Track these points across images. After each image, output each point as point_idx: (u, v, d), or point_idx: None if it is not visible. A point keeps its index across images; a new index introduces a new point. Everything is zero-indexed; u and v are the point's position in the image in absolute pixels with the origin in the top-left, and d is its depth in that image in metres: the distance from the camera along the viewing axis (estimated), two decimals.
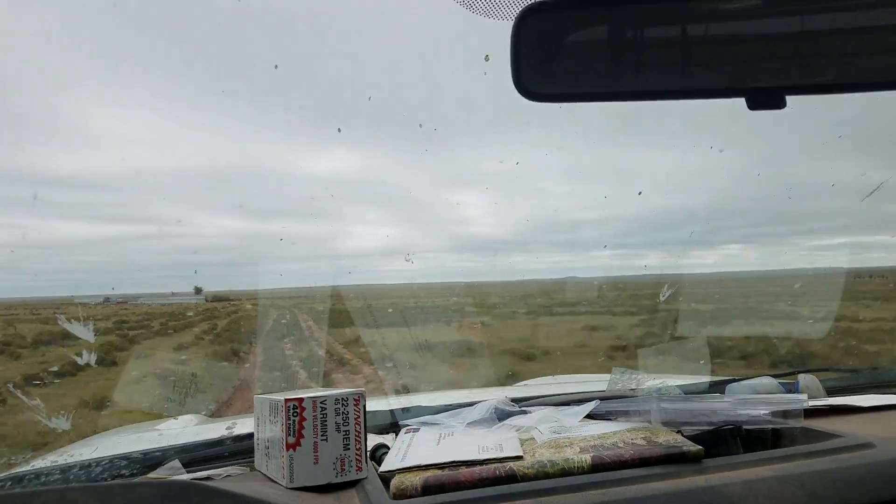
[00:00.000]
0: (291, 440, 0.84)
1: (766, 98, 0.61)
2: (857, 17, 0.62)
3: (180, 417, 1.87)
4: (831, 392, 1.35)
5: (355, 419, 0.88)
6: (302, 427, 0.85)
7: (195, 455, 1.11)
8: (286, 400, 0.85)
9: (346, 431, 0.87)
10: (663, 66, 0.64)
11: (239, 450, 1.11)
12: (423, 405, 1.37)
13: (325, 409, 0.87)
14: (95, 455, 1.07)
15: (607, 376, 1.40)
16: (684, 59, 0.63)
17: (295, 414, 0.85)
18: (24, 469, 1.04)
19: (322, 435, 0.86)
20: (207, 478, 0.92)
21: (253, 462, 1.02)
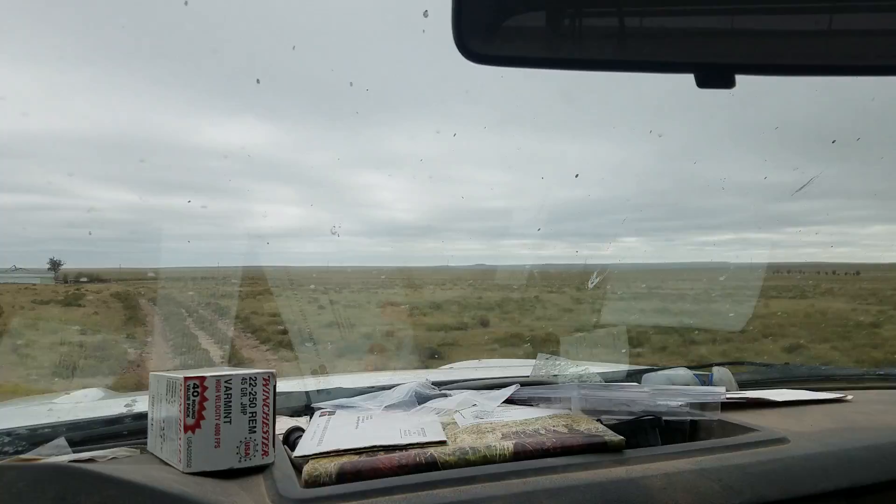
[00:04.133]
0: (190, 421, 0.77)
1: (715, 76, 0.59)
2: None
3: (78, 391, 1.73)
4: (743, 385, 1.38)
5: (264, 400, 0.81)
6: (203, 408, 0.78)
7: (89, 433, 1.01)
8: (186, 378, 0.77)
9: (252, 413, 0.80)
10: (613, 35, 0.61)
11: (138, 429, 1.02)
12: (342, 387, 1.31)
13: (231, 388, 0.79)
14: None
15: (531, 362, 1.38)
16: (634, 30, 0.60)
17: (195, 394, 0.77)
18: None
19: (225, 416, 0.79)
20: (90, 459, 0.82)
21: (146, 444, 0.93)
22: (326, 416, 1.07)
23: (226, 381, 0.79)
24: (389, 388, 1.24)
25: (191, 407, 0.77)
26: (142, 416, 1.06)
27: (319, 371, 1.38)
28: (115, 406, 1.29)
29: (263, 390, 0.82)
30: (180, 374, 0.79)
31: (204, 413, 0.78)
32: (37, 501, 0.52)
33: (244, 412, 0.80)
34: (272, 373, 0.83)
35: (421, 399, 1.13)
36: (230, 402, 0.79)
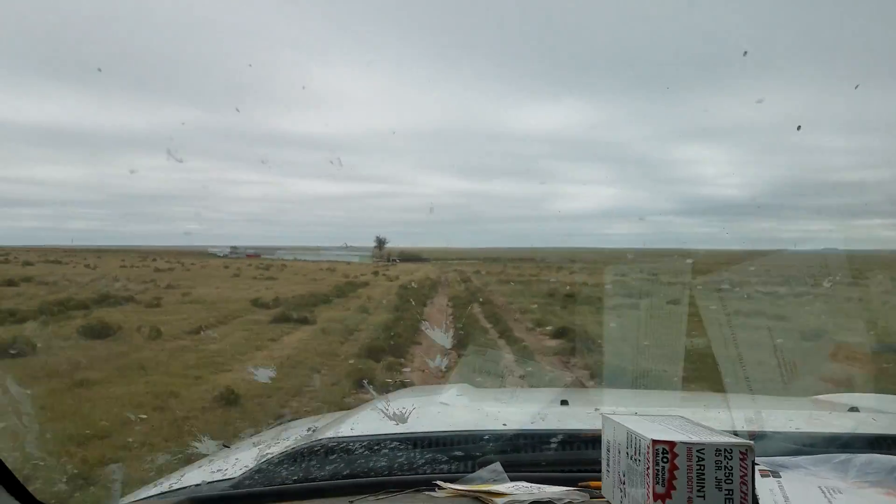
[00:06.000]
0: (660, 490, 0.70)
1: None
2: None
3: (453, 387, 1.68)
4: None
5: (741, 477, 0.70)
6: (673, 476, 0.70)
7: (520, 457, 1.04)
8: (654, 441, 0.70)
9: (728, 491, 0.70)
10: None
11: (577, 460, 1.01)
12: (778, 430, 1.13)
13: (703, 459, 0.70)
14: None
15: None
16: None
17: (665, 460, 0.70)
18: None
19: (699, 491, 0.70)
20: (549, 502, 0.82)
21: (588, 479, 0.90)
22: (770, 478, 0.91)
23: (698, 451, 0.70)
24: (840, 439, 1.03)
25: (660, 474, 0.70)
26: (584, 444, 1.04)
27: (755, 420, 1.16)
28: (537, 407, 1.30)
29: (741, 465, 0.70)
30: (646, 435, 0.72)
31: (675, 483, 0.70)
32: None
33: (719, 488, 0.70)
34: (750, 445, 0.71)
35: None
36: (703, 474, 0.70)
